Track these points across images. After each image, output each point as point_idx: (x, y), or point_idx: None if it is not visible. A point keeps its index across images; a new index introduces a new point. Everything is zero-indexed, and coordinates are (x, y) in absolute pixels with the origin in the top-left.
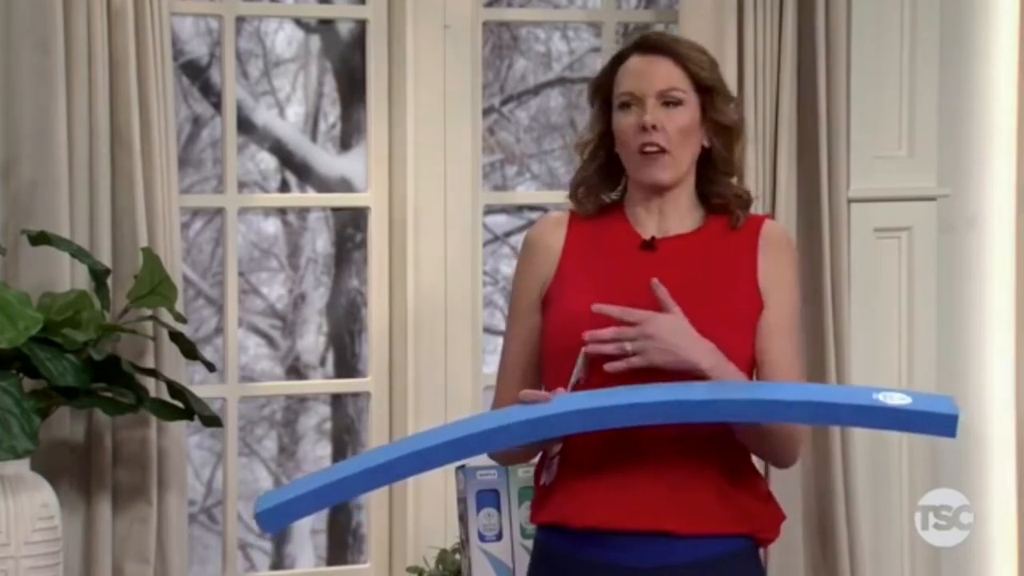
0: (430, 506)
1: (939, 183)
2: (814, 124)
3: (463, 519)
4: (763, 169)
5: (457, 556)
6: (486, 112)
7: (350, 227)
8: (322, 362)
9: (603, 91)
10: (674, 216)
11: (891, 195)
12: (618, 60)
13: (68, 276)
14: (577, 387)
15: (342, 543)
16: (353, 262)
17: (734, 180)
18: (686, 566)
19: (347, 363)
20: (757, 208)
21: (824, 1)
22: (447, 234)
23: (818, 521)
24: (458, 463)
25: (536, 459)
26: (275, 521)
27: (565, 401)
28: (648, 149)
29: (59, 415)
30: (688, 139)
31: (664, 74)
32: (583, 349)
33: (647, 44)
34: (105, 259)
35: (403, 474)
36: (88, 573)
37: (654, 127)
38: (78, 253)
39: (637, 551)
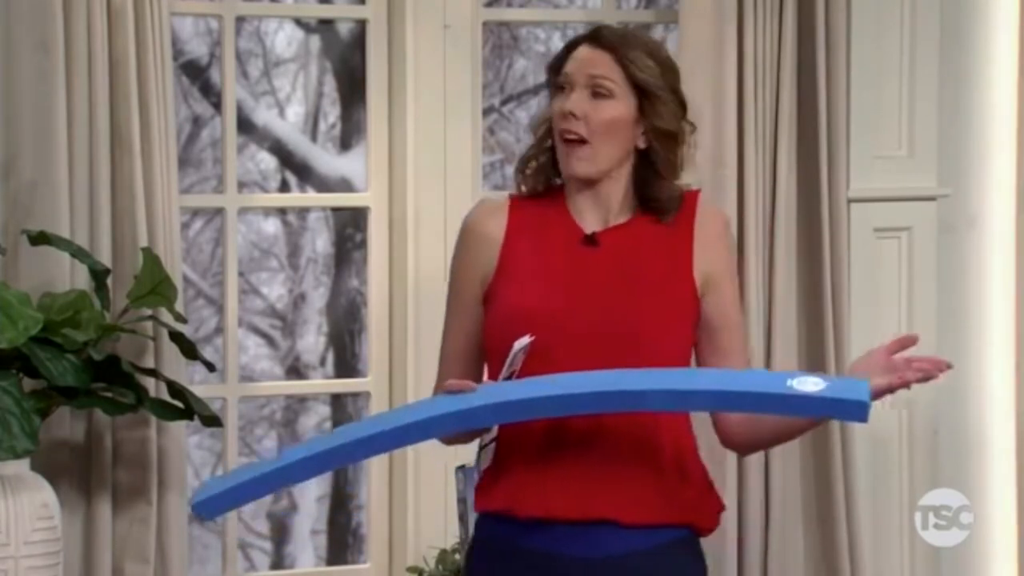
0: (430, 506)
1: (939, 183)
2: (814, 124)
3: (463, 519)
4: (763, 169)
5: (457, 556)
6: (486, 112)
7: (350, 227)
8: (322, 362)
9: (554, 76)
10: (611, 207)
11: (891, 195)
12: (571, 47)
13: (68, 276)
14: (509, 379)
15: (342, 543)
16: (353, 262)
17: (670, 184)
18: (627, 556)
19: (347, 363)
20: (758, 208)
21: (824, 1)
22: (447, 234)
23: (818, 520)
24: (453, 464)
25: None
26: (212, 509)
27: (491, 392)
28: (568, 136)
29: (59, 415)
30: (613, 134)
31: (598, 64)
32: (517, 342)
33: (596, 36)
34: (105, 259)
35: (335, 464)
36: (88, 573)
37: (574, 115)
38: (78, 253)
39: (580, 541)
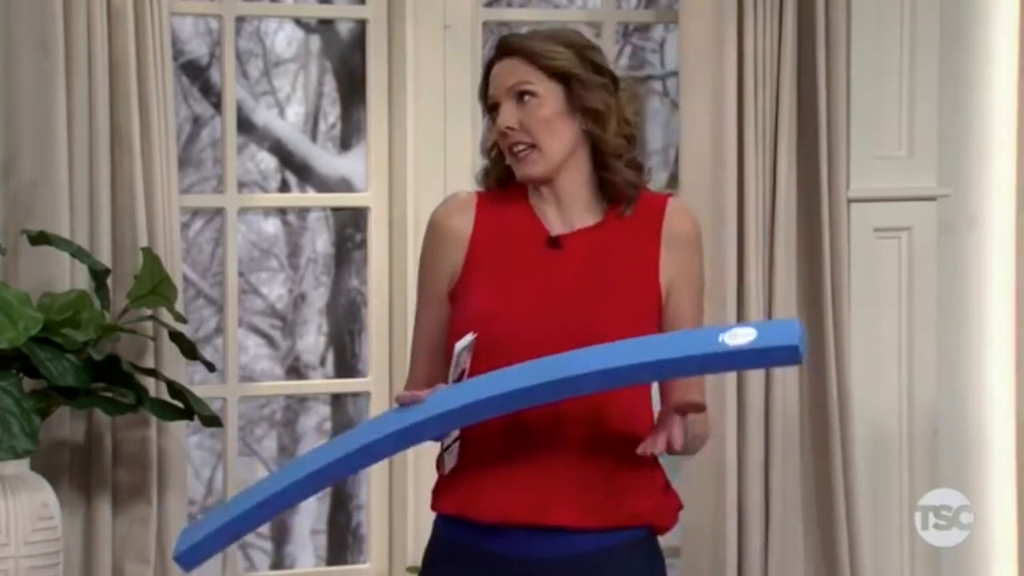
0: (430, 506)
1: (939, 183)
2: (814, 124)
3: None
4: (763, 169)
5: None
6: None
7: (350, 227)
8: (322, 362)
9: (483, 101)
10: (575, 208)
11: (891, 195)
12: (488, 68)
13: (68, 276)
14: (460, 380)
15: (342, 543)
16: (353, 262)
17: (619, 163)
18: (583, 556)
19: (347, 363)
20: (758, 208)
21: (824, 1)
22: None
23: (818, 520)
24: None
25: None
26: (196, 558)
27: (438, 402)
28: (515, 149)
29: (59, 415)
30: (554, 129)
31: (512, 72)
32: (459, 342)
33: (500, 48)
34: (105, 259)
35: (301, 497)
36: (88, 573)
37: (511, 128)
38: (78, 253)
39: (536, 544)
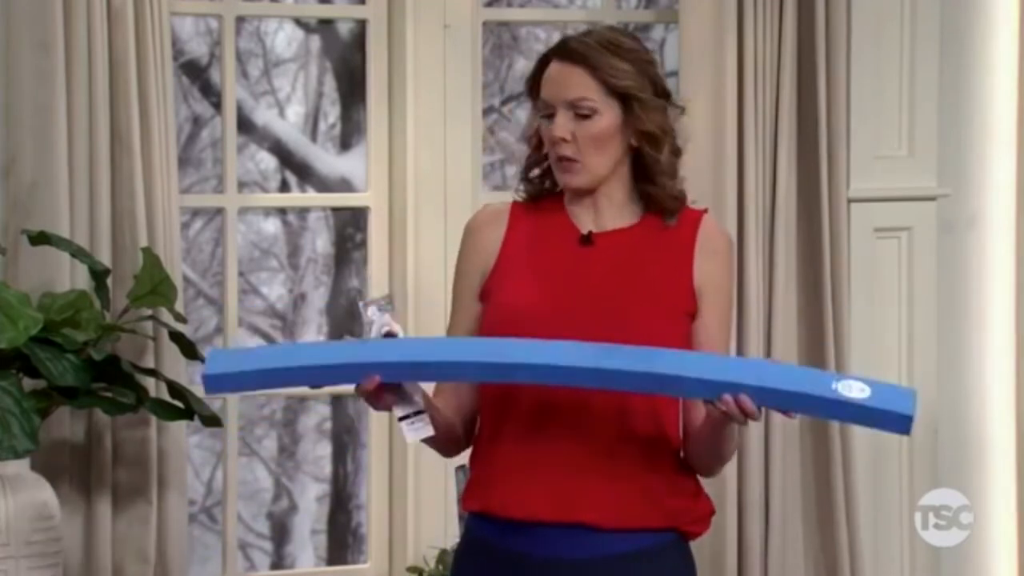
0: (430, 506)
1: (939, 183)
2: (814, 124)
3: (463, 519)
4: (763, 169)
5: None
6: (486, 112)
7: (350, 227)
8: None
9: (534, 91)
10: (609, 211)
11: (891, 195)
12: (543, 63)
13: (68, 276)
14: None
15: (342, 543)
16: (353, 262)
17: (669, 180)
18: (610, 559)
19: None
20: (758, 208)
21: (824, 1)
22: (447, 234)
23: (818, 520)
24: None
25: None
26: (221, 387)
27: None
28: (561, 159)
29: (59, 415)
30: (603, 146)
31: (574, 85)
32: (364, 302)
33: (562, 50)
34: (105, 259)
35: (354, 378)
36: (88, 573)
37: (563, 139)
38: (78, 253)
39: (561, 544)
